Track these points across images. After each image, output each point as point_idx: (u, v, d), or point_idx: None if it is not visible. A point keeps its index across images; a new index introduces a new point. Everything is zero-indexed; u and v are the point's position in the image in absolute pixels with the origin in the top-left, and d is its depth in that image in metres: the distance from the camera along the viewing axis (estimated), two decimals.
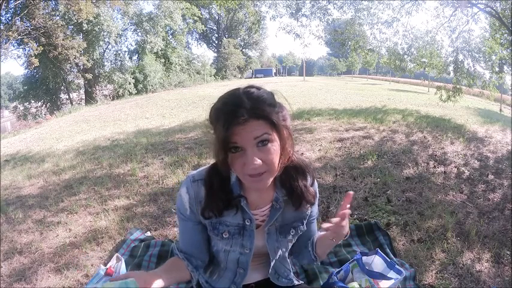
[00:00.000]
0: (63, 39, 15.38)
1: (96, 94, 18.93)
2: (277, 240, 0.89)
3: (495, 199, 2.42)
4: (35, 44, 14.69)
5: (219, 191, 0.80)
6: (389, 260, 1.43)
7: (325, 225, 0.76)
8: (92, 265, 1.79)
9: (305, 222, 0.91)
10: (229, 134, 0.67)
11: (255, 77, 36.54)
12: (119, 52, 20.82)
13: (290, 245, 0.93)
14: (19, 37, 14.33)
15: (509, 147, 3.70)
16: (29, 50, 15.05)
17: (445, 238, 1.89)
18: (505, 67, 6.08)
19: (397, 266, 1.39)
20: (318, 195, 0.91)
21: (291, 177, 0.83)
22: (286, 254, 0.95)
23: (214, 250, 0.90)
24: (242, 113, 0.66)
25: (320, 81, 23.65)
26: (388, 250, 1.73)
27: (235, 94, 0.70)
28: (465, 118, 6.15)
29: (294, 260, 1.04)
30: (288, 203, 0.86)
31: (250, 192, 0.83)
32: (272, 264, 0.92)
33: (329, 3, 6.64)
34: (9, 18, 14.55)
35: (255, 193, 0.84)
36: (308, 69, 48.37)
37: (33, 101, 18.13)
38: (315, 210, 0.95)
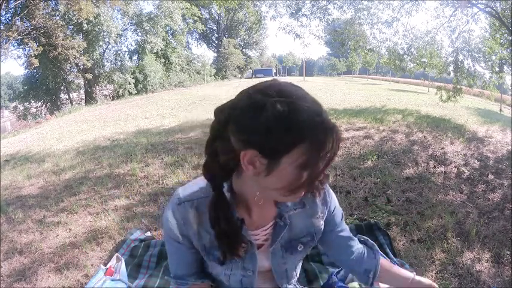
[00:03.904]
0: (63, 39, 15.37)
1: (96, 94, 18.92)
2: (283, 257, 0.80)
3: (495, 199, 2.42)
4: (35, 44, 14.68)
5: (227, 227, 0.67)
6: (389, 260, 1.43)
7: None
8: (92, 265, 1.79)
9: (316, 238, 0.81)
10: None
11: (255, 77, 36.52)
12: (119, 52, 20.83)
13: (299, 260, 0.86)
14: (19, 37, 14.32)
15: (509, 147, 3.70)
16: (29, 50, 15.06)
17: (445, 238, 1.89)
18: (505, 67, 6.07)
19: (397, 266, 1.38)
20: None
21: None
22: (294, 267, 0.87)
23: (213, 273, 0.82)
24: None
25: (320, 81, 23.65)
26: (388, 250, 1.73)
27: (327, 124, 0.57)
28: (465, 118, 6.15)
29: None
30: (297, 215, 0.78)
31: (249, 210, 0.73)
32: (278, 280, 0.85)
33: (329, 3, 6.63)
34: (9, 18, 14.55)
35: (256, 211, 0.74)
36: (308, 69, 48.38)
37: (33, 101, 18.12)
38: (337, 214, 0.85)
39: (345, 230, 0.87)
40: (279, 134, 0.54)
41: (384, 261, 0.88)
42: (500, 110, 11.79)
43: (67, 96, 19.04)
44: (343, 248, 0.86)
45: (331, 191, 0.83)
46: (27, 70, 17.00)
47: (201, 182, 0.74)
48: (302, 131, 0.54)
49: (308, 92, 0.60)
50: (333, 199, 0.83)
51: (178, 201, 0.72)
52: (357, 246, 0.87)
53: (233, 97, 0.62)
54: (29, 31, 14.41)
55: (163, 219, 0.75)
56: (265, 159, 0.56)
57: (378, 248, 0.91)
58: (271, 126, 0.53)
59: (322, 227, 0.81)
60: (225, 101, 0.65)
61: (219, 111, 0.62)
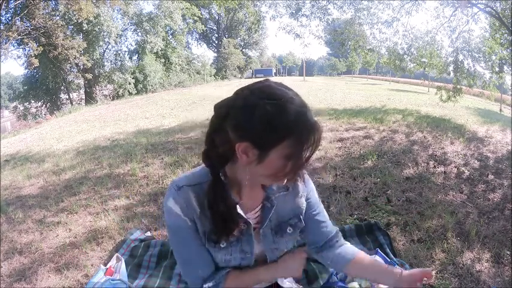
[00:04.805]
0: (63, 39, 15.38)
1: (96, 94, 18.93)
2: (274, 241, 0.85)
3: (495, 199, 2.42)
4: (35, 44, 14.69)
5: (226, 211, 0.73)
6: (389, 260, 1.43)
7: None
8: (92, 265, 1.79)
9: (302, 217, 0.88)
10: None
11: (255, 77, 36.53)
12: (119, 52, 20.85)
13: (291, 243, 0.89)
14: (19, 37, 14.33)
15: (509, 147, 3.70)
16: (29, 50, 15.08)
17: (445, 238, 1.89)
18: (505, 67, 6.07)
19: (397, 266, 1.38)
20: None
21: None
22: None
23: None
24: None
25: (320, 81, 23.65)
26: (388, 250, 1.73)
27: (312, 120, 0.68)
28: (465, 118, 6.15)
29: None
30: (283, 198, 0.84)
31: (240, 193, 0.79)
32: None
33: (329, 3, 6.64)
34: (9, 18, 14.57)
35: (247, 194, 0.80)
36: (308, 69, 48.36)
37: (33, 101, 18.14)
38: (313, 198, 0.91)
39: (321, 214, 0.93)
40: (268, 131, 0.64)
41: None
42: (500, 110, 11.80)
43: (67, 96, 19.06)
44: (316, 231, 0.91)
45: (307, 175, 0.92)
46: (27, 70, 17.04)
47: (194, 171, 0.80)
48: (288, 128, 0.64)
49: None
50: (311, 181, 0.93)
51: (177, 187, 0.76)
52: (333, 233, 0.93)
53: None
54: (29, 31, 14.42)
55: (166, 211, 0.77)
56: (257, 151, 0.66)
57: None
58: (262, 124, 0.63)
59: (305, 205, 0.89)
60: None
61: (218, 107, 0.71)
